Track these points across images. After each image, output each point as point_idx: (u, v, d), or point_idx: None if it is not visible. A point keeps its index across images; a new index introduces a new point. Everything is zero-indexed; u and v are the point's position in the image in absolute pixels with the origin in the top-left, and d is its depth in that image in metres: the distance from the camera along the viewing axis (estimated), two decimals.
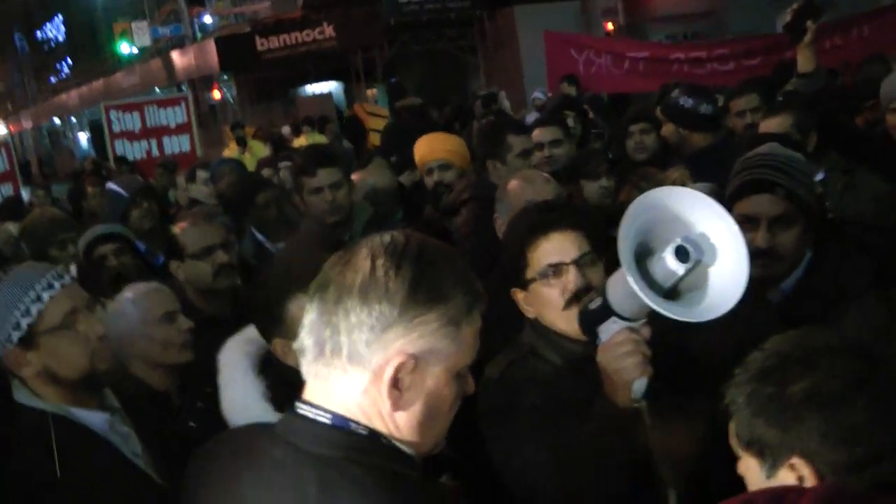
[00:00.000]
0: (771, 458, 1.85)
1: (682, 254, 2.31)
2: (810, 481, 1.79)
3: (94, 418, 3.05)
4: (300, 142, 14.14)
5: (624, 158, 6.77)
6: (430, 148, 6.27)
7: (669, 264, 2.33)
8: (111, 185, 7.20)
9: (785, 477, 1.83)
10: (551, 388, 2.88)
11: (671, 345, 2.69)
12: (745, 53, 10.97)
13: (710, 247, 2.36)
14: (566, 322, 2.87)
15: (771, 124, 4.90)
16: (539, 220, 2.99)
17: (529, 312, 3.02)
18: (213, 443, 2.17)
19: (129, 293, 3.96)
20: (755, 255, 3.09)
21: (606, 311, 2.54)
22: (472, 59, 33.55)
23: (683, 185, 5.17)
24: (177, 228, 4.81)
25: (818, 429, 1.77)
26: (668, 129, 6.09)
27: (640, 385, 2.53)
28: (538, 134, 6.21)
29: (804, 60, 5.57)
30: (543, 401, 2.86)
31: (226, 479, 1.96)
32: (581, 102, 9.52)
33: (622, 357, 2.51)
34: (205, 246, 4.63)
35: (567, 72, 11.68)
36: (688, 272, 2.34)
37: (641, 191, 4.84)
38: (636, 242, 2.37)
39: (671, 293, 2.40)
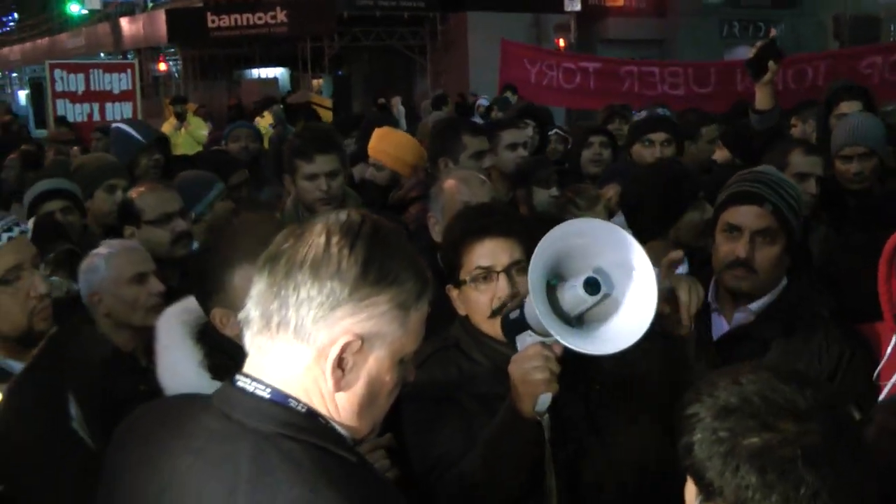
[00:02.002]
0: (704, 492, 1.78)
1: (592, 285, 2.37)
2: None
3: None
4: (263, 123, 14.01)
5: (571, 170, 6.81)
6: (371, 144, 6.28)
7: (578, 294, 2.38)
8: (121, 126, 6.84)
9: None
10: (470, 384, 2.93)
11: (582, 359, 2.70)
12: (696, 79, 10.93)
13: (621, 281, 2.43)
14: (491, 327, 2.90)
15: None
16: (476, 224, 3.01)
17: (460, 309, 3.05)
18: (141, 410, 2.09)
19: (103, 249, 3.85)
20: (733, 264, 3.29)
21: (523, 324, 2.57)
22: (419, 60, 33.59)
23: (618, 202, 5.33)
24: (133, 193, 4.63)
25: (755, 490, 1.68)
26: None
27: (544, 400, 2.54)
28: (513, 134, 6.19)
29: (762, 98, 5.65)
30: (461, 395, 2.92)
31: (152, 447, 1.90)
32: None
33: (530, 371, 2.51)
34: (164, 213, 4.49)
35: (519, 81, 11.67)
36: (595, 304, 2.40)
37: (577, 207, 5.03)
38: (550, 267, 2.41)
39: (577, 320, 2.47)
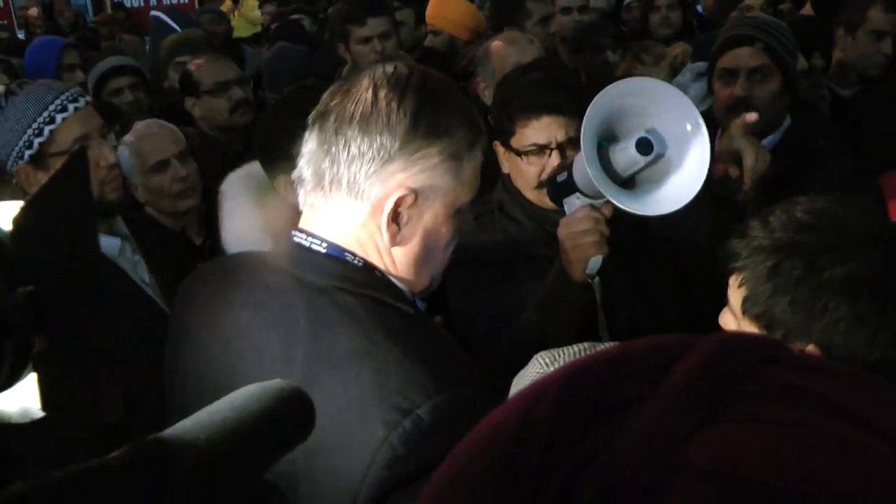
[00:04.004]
0: (782, 336, 1.72)
1: (645, 145, 2.32)
2: None
3: (105, 242, 2.99)
4: None
5: (643, 33, 6.62)
6: (427, 11, 6.21)
7: (630, 155, 2.33)
8: (159, 15, 6.92)
9: None
10: (517, 246, 2.91)
11: (631, 225, 2.71)
12: None
13: (674, 142, 2.36)
14: (536, 196, 2.89)
15: None
16: (537, 99, 2.87)
17: (504, 167, 3.01)
18: (204, 269, 2.14)
19: (129, 136, 3.83)
20: (734, 105, 3.29)
21: (571, 187, 2.54)
22: None
23: (684, 62, 5.17)
24: (192, 66, 4.78)
25: (846, 321, 1.63)
26: None
27: (595, 262, 2.53)
28: None
29: None
30: (508, 257, 2.89)
31: (215, 303, 1.92)
32: None
33: (580, 234, 2.51)
34: (218, 82, 4.63)
35: None
36: (648, 165, 2.35)
37: (642, 63, 4.89)
38: (603, 128, 2.36)
39: (629, 182, 2.42)
